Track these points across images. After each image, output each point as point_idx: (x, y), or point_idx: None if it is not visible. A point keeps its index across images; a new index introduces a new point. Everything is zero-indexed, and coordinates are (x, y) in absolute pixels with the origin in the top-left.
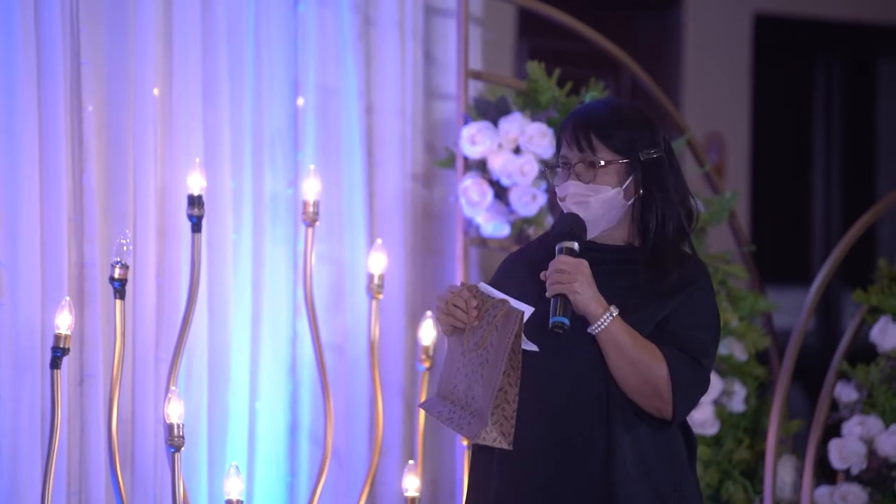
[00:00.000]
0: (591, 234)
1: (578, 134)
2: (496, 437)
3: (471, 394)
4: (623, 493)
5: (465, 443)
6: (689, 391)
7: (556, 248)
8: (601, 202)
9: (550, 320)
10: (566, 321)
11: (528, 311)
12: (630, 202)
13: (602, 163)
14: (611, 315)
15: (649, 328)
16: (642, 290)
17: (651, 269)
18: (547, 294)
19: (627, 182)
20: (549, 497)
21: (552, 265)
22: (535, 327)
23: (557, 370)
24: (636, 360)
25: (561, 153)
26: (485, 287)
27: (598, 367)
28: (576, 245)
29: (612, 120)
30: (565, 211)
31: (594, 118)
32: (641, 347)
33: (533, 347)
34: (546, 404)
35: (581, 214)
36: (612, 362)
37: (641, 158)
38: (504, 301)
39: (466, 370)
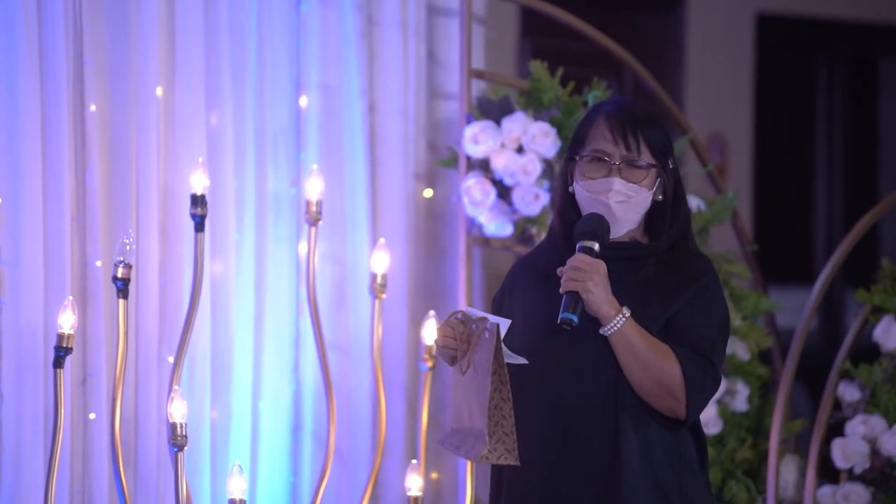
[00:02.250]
0: (618, 234)
1: (626, 131)
2: (501, 454)
3: (472, 417)
4: (626, 492)
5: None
6: (702, 391)
7: (577, 245)
8: (639, 204)
9: (559, 316)
10: (574, 318)
11: (504, 324)
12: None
13: (648, 166)
14: (623, 317)
15: (659, 324)
16: (651, 287)
17: (661, 265)
18: (560, 290)
19: (656, 186)
20: (555, 494)
21: (569, 262)
22: (546, 326)
23: (567, 370)
24: (649, 362)
25: (598, 147)
26: (469, 310)
27: (607, 366)
28: (596, 246)
29: (654, 123)
30: (592, 204)
31: (641, 119)
32: (654, 349)
33: (519, 360)
34: (555, 403)
35: (619, 214)
36: (625, 364)
37: (671, 165)
38: (483, 318)
39: (465, 395)
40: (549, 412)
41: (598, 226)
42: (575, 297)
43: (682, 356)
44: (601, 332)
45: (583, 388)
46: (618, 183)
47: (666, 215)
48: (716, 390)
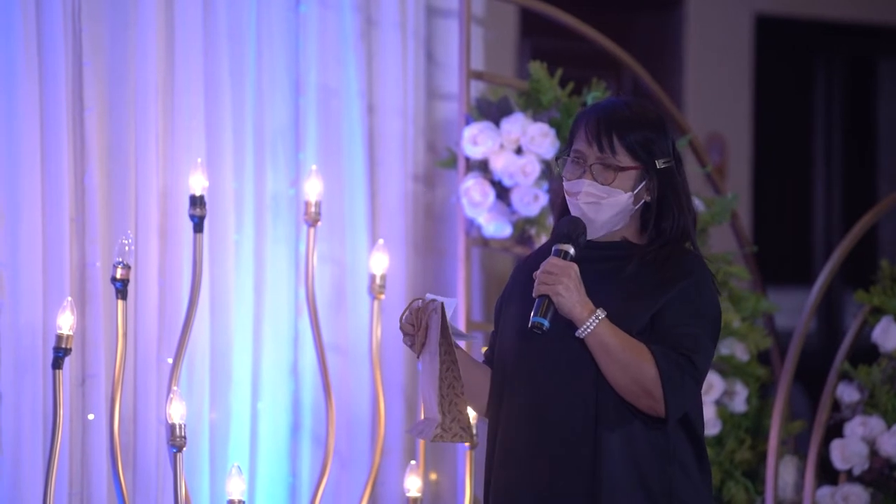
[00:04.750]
0: (599, 235)
1: (600, 132)
2: (456, 433)
3: (430, 399)
4: (609, 493)
5: (465, 443)
6: (680, 390)
7: (553, 249)
8: (612, 205)
9: (530, 320)
10: (545, 322)
11: (448, 302)
12: (638, 206)
13: (621, 167)
14: (597, 319)
15: (643, 321)
16: (637, 285)
17: (648, 263)
18: (533, 294)
19: (639, 187)
20: (538, 495)
21: (542, 266)
22: (523, 327)
23: (549, 370)
24: (625, 362)
25: (576, 147)
26: (429, 296)
27: (588, 366)
28: (571, 249)
29: (634, 123)
30: (570, 206)
31: (618, 119)
32: (630, 349)
33: (468, 338)
34: (536, 404)
35: (591, 215)
36: (602, 364)
37: (658, 166)
38: (433, 300)
39: (426, 381)
40: (533, 412)
41: (573, 228)
42: (546, 300)
43: (659, 355)
44: (576, 334)
45: (565, 388)
46: (587, 184)
47: (652, 214)
48: (696, 389)
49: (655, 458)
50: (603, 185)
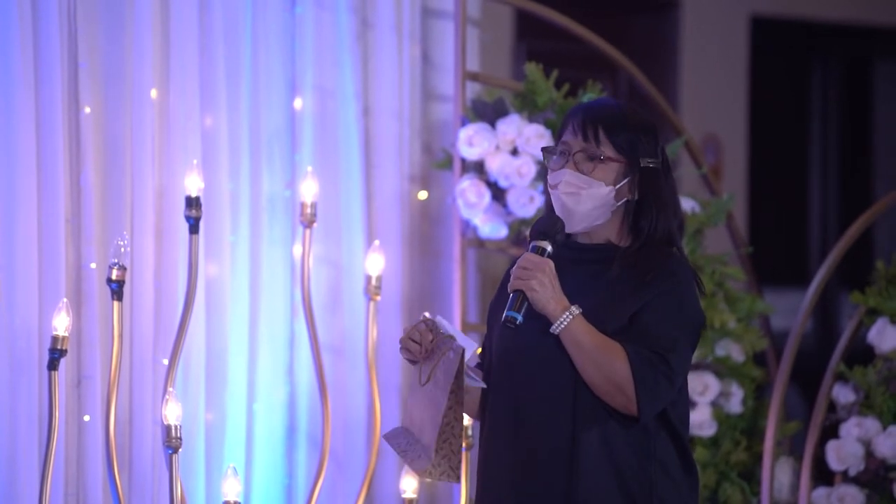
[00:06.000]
0: (578, 228)
1: (586, 123)
2: (444, 471)
3: (422, 427)
4: (585, 490)
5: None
6: (653, 389)
7: (530, 246)
8: (592, 196)
9: (504, 314)
10: (518, 316)
11: (469, 349)
12: (620, 203)
13: (602, 157)
14: (570, 315)
15: (622, 321)
16: (618, 285)
17: (630, 264)
18: (508, 288)
19: (622, 183)
20: (517, 491)
21: (518, 262)
22: (506, 327)
23: (530, 367)
24: (598, 360)
25: (563, 139)
26: (441, 321)
27: (565, 364)
28: (548, 246)
29: (621, 119)
30: (553, 199)
31: (604, 113)
32: (603, 347)
33: (479, 384)
34: (516, 402)
35: (571, 205)
36: (576, 362)
37: (641, 164)
38: (451, 338)
39: (420, 403)
40: (513, 410)
41: (551, 226)
42: (521, 295)
43: (632, 353)
44: (550, 330)
45: (543, 386)
46: (568, 174)
47: (646, 218)
48: (671, 390)
49: (634, 457)
50: (584, 174)
